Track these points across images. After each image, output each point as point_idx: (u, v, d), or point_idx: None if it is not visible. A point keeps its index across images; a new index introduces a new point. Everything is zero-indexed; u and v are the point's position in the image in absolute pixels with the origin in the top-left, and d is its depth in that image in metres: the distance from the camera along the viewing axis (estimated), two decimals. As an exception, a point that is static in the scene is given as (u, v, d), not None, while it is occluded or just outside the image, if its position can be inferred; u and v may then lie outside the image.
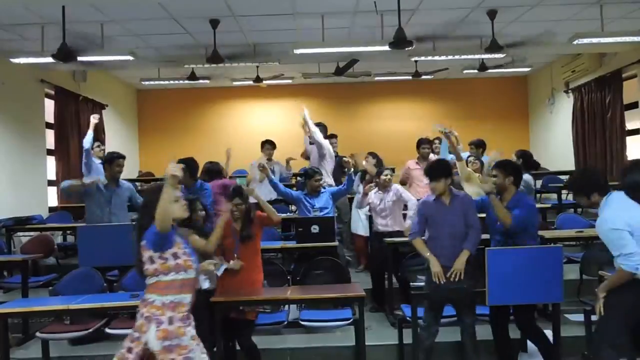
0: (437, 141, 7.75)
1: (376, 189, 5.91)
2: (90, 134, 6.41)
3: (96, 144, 6.99)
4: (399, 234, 5.66)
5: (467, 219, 4.08)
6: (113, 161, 5.66)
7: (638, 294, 3.24)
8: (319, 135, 6.90)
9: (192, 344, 2.93)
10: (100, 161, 6.84)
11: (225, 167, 6.48)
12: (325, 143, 6.95)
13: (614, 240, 3.23)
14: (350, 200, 6.97)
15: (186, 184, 5.34)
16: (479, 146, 7.32)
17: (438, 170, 4.13)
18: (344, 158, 5.97)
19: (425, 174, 4.26)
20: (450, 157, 6.70)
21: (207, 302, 3.90)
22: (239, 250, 4.23)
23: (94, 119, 6.51)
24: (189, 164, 5.43)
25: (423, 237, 4.22)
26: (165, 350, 2.85)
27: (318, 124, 7.11)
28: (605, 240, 3.29)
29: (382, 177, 5.84)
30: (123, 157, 5.76)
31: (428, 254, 4.08)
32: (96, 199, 5.60)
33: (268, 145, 7.73)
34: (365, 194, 5.92)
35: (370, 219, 6.61)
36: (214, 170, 6.17)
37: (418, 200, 5.76)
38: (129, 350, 2.90)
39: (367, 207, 6.60)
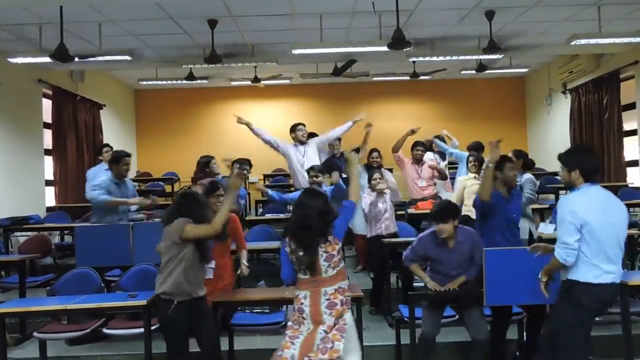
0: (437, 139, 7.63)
1: (374, 194, 5.84)
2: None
3: (105, 149, 6.95)
4: (397, 235, 5.69)
5: (475, 258, 4.05)
6: (120, 160, 5.71)
7: (589, 313, 3.30)
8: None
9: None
10: (107, 167, 6.78)
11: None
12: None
13: (563, 224, 3.26)
14: None
15: None
16: (477, 149, 7.20)
17: (446, 212, 4.03)
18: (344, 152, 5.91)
19: (432, 217, 4.17)
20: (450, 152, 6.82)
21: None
22: (213, 247, 4.15)
23: None
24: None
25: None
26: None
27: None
28: (559, 218, 3.32)
29: (372, 181, 5.77)
30: (129, 155, 5.85)
31: (427, 279, 4.13)
32: (112, 194, 5.63)
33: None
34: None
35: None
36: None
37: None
38: (325, 340, 3.20)
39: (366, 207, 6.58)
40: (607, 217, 3.27)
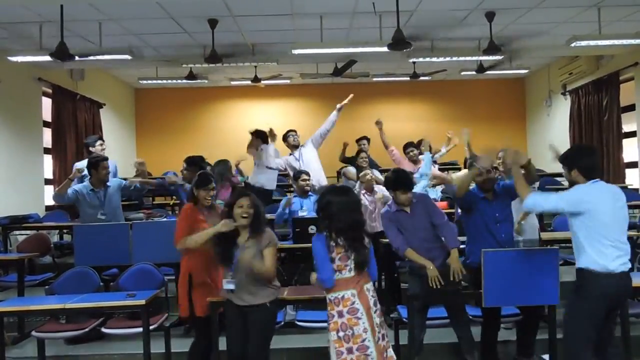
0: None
1: (363, 191, 5.85)
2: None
3: (99, 142, 6.79)
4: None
5: (434, 218, 4.07)
6: (98, 165, 5.55)
7: (595, 302, 3.24)
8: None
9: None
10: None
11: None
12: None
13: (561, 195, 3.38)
14: None
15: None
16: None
17: (407, 182, 4.11)
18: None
19: (390, 185, 4.21)
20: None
21: None
22: None
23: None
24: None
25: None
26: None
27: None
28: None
29: (361, 177, 5.80)
30: (107, 159, 5.70)
31: (427, 262, 3.98)
32: (87, 204, 5.52)
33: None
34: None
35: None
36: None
37: None
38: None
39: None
40: (614, 203, 3.30)
